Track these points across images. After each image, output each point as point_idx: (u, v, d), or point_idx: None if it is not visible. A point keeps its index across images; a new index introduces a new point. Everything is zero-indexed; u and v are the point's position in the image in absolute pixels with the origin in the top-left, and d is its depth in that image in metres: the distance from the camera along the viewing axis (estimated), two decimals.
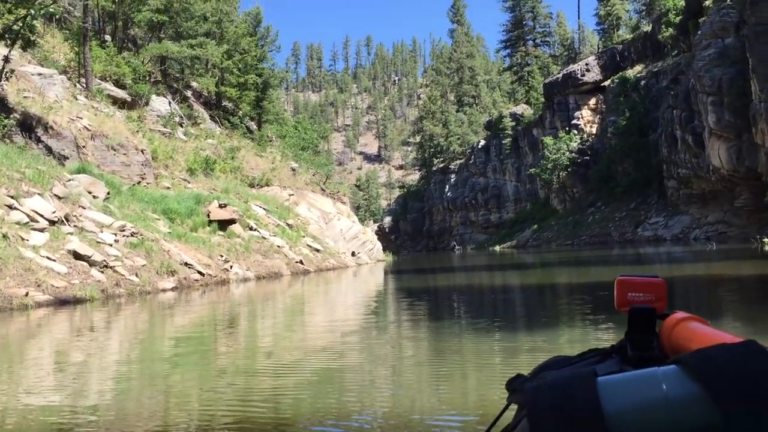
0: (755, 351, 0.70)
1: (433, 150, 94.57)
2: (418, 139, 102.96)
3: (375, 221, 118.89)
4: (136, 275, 14.92)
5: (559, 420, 0.69)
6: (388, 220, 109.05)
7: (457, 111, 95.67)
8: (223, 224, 22.38)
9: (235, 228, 22.63)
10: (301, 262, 23.68)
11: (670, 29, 54.62)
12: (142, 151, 23.36)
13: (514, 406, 0.84)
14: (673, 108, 46.39)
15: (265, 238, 23.69)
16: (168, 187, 24.07)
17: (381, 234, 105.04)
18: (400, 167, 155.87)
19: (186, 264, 17.21)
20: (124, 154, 22.38)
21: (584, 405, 0.69)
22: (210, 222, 22.08)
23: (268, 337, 8.40)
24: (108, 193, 18.58)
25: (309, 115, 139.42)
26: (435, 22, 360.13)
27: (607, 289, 11.87)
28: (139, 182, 22.33)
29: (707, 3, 43.44)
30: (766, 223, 33.84)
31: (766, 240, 23.97)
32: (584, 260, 25.74)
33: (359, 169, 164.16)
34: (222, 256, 19.45)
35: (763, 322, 7.00)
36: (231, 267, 19.03)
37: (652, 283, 0.99)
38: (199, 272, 17.32)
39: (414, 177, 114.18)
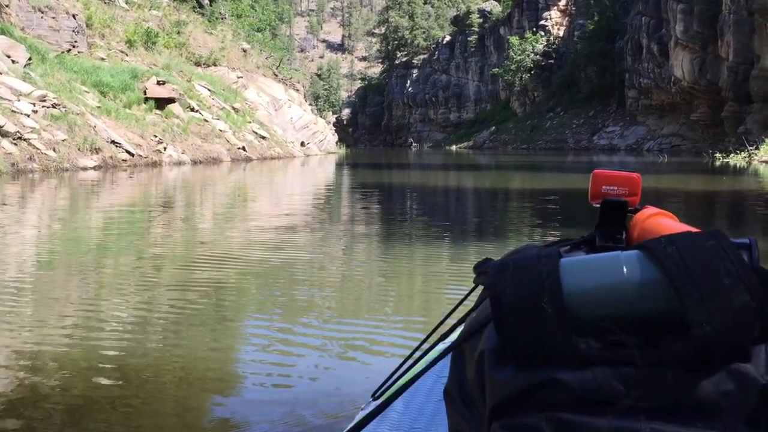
0: (717, 239, 0.70)
1: (397, 43, 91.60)
2: (382, 30, 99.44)
3: (334, 113, 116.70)
4: (54, 150, 13.79)
5: (519, 296, 0.70)
6: (346, 112, 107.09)
7: (425, 3, 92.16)
8: (161, 103, 21.01)
9: (174, 108, 21.31)
10: (243, 148, 22.62)
11: None
12: (74, 16, 21.44)
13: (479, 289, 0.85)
14: (642, 15, 45.15)
15: (206, 121, 22.46)
16: (103, 59, 22.34)
17: (338, 126, 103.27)
18: (364, 59, 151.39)
19: (113, 142, 16.07)
20: (53, 17, 20.48)
21: (545, 282, 0.70)
22: (146, 99, 20.68)
23: (207, 225, 7.62)
24: (30, 59, 17.00)
25: None
26: None
27: (559, 195, 11.55)
28: (69, 50, 20.57)
29: None
30: (720, 139, 33.81)
31: (717, 155, 23.81)
32: (538, 166, 25.36)
33: (321, 57, 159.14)
34: (156, 136, 18.28)
35: None
36: (165, 149, 17.94)
37: (627, 177, 0.97)
38: (128, 152, 16.22)
39: (377, 70, 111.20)
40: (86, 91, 18.33)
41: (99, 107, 17.86)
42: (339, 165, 25.15)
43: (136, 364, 2.62)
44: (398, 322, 3.52)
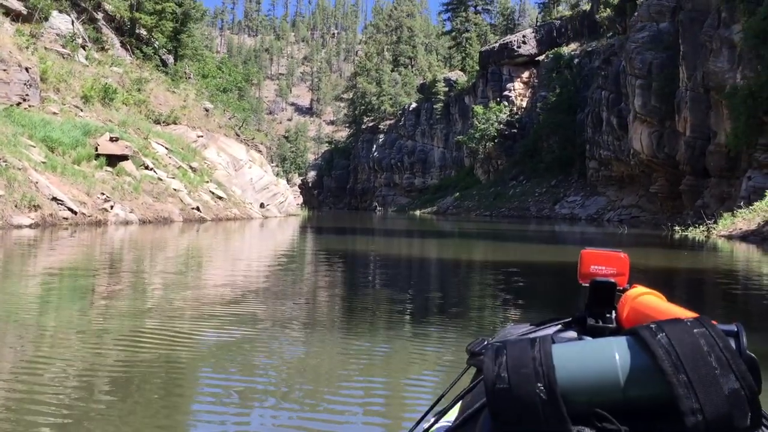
0: (705, 326, 0.72)
1: (364, 108, 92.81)
2: (350, 95, 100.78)
3: (300, 175, 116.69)
4: None
5: (514, 383, 0.71)
6: (312, 174, 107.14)
7: (392, 70, 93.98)
8: (113, 160, 20.34)
9: (127, 165, 20.63)
10: (198, 208, 21.92)
11: (608, 9, 54.43)
12: (27, 69, 20.84)
13: (472, 370, 0.87)
14: (602, 89, 46.29)
15: (160, 179, 21.78)
16: (55, 113, 21.68)
17: (304, 188, 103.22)
18: (332, 122, 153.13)
19: (55, 199, 15.27)
20: (4, 70, 19.86)
21: (540, 369, 0.71)
22: (98, 156, 19.99)
23: (156, 290, 6.90)
24: None
25: (243, 59, 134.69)
26: None
27: (521, 267, 11.10)
28: (19, 103, 19.91)
29: None
30: (678, 211, 34.19)
31: (677, 228, 23.84)
32: (501, 234, 25.07)
33: (289, 120, 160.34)
34: (103, 194, 17.52)
35: None
36: (111, 207, 17.16)
37: (615, 258, 0.99)
38: (70, 209, 15.42)
39: (344, 134, 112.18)
40: (32, 146, 17.60)
41: (45, 163, 17.11)
42: (298, 229, 24.51)
43: None
44: (358, 406, 3.23)
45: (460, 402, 0.88)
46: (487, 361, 0.74)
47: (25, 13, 26.76)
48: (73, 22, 29.72)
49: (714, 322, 0.74)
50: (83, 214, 15.80)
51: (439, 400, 1.08)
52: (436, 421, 0.99)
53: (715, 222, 22.96)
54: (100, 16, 34.62)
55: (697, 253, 16.10)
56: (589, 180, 49.44)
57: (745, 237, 19.59)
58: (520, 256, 14.18)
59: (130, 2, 34.80)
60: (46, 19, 27.92)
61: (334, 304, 6.74)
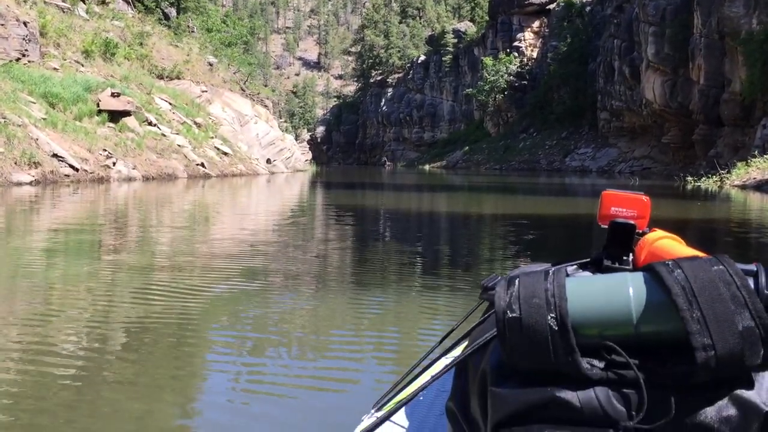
0: (723, 264, 0.71)
1: (372, 61, 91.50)
2: (358, 48, 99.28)
3: (309, 131, 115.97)
4: None
5: (525, 312, 0.70)
6: (320, 129, 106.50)
7: (400, 22, 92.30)
8: (116, 116, 20.07)
9: (129, 121, 20.36)
10: (202, 164, 21.70)
11: None
12: (25, 23, 20.44)
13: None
14: (614, 37, 45.19)
15: (164, 136, 21.52)
16: (56, 69, 21.35)
17: (313, 144, 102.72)
18: (340, 77, 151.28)
19: (56, 156, 15.07)
20: (2, 24, 19.47)
21: (552, 300, 0.70)
22: (100, 112, 19.72)
23: (162, 246, 6.73)
24: None
25: (248, 12, 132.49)
26: None
27: (531, 220, 10.85)
28: (18, 59, 19.58)
29: None
30: (690, 161, 33.63)
31: (689, 179, 23.42)
32: (510, 187, 24.75)
33: (297, 75, 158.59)
34: (105, 150, 17.30)
35: None
36: (114, 164, 16.96)
37: (637, 200, 0.97)
38: (72, 166, 15.23)
39: (352, 88, 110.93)
40: (32, 102, 17.34)
41: (45, 119, 16.87)
42: (305, 184, 24.28)
43: (92, 397, 2.41)
44: (370, 352, 3.19)
45: (468, 338, 0.86)
46: (499, 290, 0.72)
47: None
48: None
49: (732, 261, 0.71)
50: (85, 170, 15.63)
51: (450, 332, 1.04)
52: (446, 352, 0.97)
53: (729, 172, 22.53)
54: None
55: (711, 203, 15.79)
56: (600, 131, 48.72)
57: (760, 186, 19.19)
58: (530, 209, 13.92)
59: None
60: None
61: (344, 258, 6.56)
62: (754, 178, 20.51)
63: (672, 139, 37.72)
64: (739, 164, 22.73)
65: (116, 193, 14.42)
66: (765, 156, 21.75)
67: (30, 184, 13.46)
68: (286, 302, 4.24)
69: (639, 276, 0.72)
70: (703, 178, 23.24)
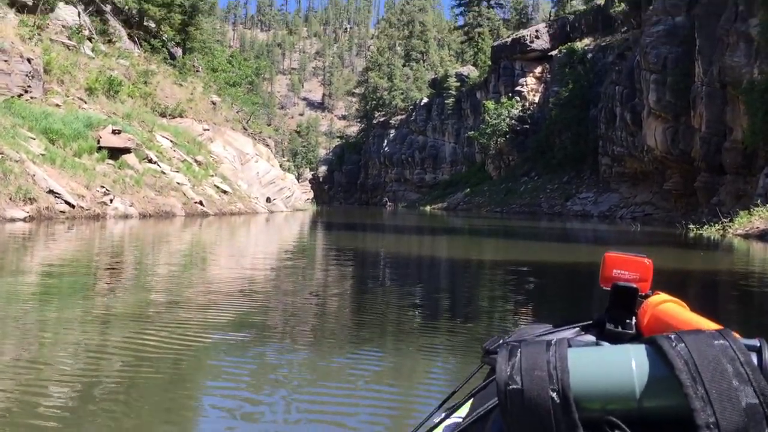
0: (726, 338, 0.70)
1: (375, 103, 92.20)
2: (362, 90, 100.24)
3: (311, 170, 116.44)
4: None
5: (526, 385, 0.70)
6: (323, 169, 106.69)
7: (404, 65, 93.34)
8: (116, 153, 20.03)
9: (129, 158, 20.31)
10: (201, 203, 21.57)
11: (623, 4, 53.60)
12: (29, 60, 20.56)
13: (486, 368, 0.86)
14: (615, 84, 45.51)
15: (164, 173, 21.45)
16: (58, 105, 21.40)
17: (315, 183, 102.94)
18: (343, 117, 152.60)
19: (52, 192, 14.95)
20: (5, 61, 19.58)
21: (554, 373, 0.70)
22: (100, 149, 19.69)
23: (152, 293, 6.54)
24: None
25: (255, 53, 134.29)
26: None
27: (532, 267, 10.63)
28: (20, 95, 19.64)
29: None
30: (692, 208, 33.47)
31: (691, 226, 23.20)
32: (512, 231, 24.54)
33: (301, 115, 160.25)
34: (103, 187, 17.19)
35: None
36: (111, 200, 16.82)
37: (639, 263, 0.97)
38: (68, 203, 15.09)
39: (355, 129, 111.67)
40: (32, 138, 17.30)
41: (43, 155, 16.80)
42: (304, 224, 24.09)
43: None
44: (368, 406, 3.16)
45: (471, 399, 0.86)
46: (500, 360, 0.72)
47: (30, 4, 26.51)
48: (79, 13, 29.46)
49: (736, 335, 0.71)
50: (81, 207, 15.48)
51: (450, 396, 1.03)
52: (446, 417, 0.96)
53: (731, 220, 22.33)
54: (107, 8, 34.35)
55: (714, 253, 15.55)
56: (602, 176, 48.72)
57: (763, 236, 18.98)
58: (530, 256, 13.70)
59: None
60: (52, 10, 27.66)
61: (342, 307, 6.34)
62: (757, 228, 20.30)
63: (674, 186, 37.63)
64: (741, 213, 22.54)
65: (111, 230, 14.24)
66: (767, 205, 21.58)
67: (24, 220, 13.29)
68: (280, 355, 4.11)
69: (641, 349, 0.70)
70: (706, 226, 23.02)
